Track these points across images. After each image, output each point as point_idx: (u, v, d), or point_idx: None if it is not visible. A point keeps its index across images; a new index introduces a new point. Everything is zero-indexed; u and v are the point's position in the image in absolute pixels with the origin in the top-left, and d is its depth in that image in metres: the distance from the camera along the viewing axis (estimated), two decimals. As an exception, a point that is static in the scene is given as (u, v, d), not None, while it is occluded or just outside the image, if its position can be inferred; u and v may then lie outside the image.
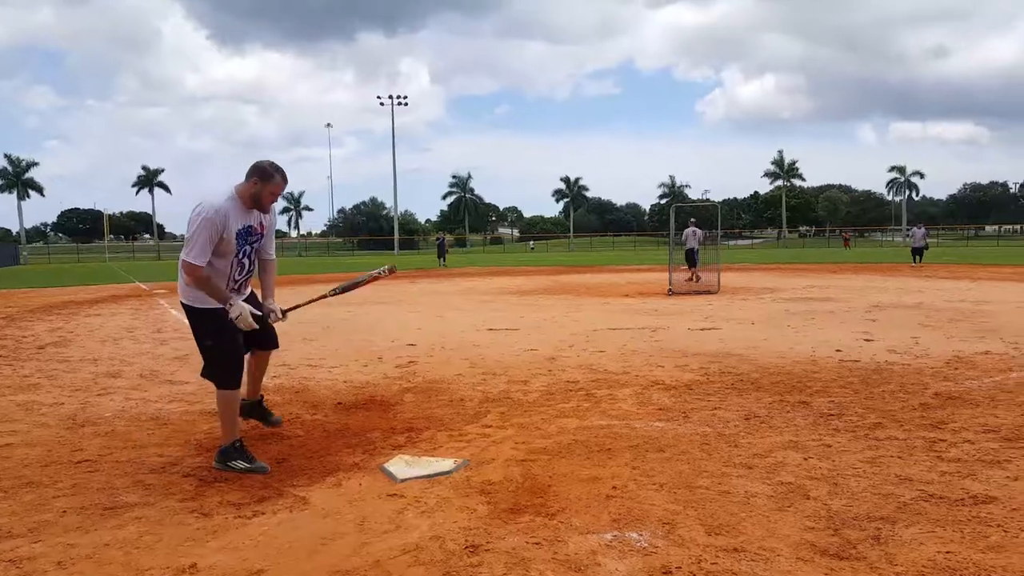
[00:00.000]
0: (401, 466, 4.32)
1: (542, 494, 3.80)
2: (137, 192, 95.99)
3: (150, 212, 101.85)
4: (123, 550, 3.24)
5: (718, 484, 3.85)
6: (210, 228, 4.10)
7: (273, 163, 4.32)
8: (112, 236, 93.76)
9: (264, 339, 4.76)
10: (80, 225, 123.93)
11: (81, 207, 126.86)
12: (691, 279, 19.27)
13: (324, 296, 5.17)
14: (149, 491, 4.05)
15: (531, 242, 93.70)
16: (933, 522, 3.27)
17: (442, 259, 40.63)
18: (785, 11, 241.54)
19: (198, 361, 8.27)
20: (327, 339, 9.98)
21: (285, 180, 4.35)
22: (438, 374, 7.23)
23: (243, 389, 4.91)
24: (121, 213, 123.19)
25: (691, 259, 20.08)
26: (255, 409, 5.08)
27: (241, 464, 4.34)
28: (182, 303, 4.40)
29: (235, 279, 4.42)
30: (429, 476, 4.13)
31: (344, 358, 8.36)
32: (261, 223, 4.45)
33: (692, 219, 21.43)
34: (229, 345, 4.37)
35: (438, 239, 46.15)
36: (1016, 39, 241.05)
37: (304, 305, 5.06)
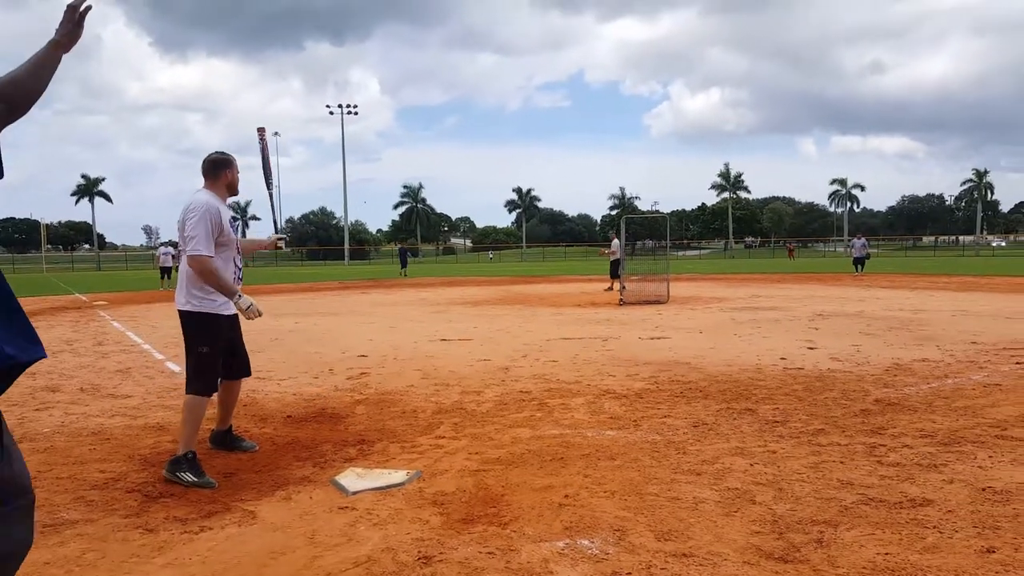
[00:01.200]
0: (352, 479, 4.29)
1: (495, 504, 3.81)
2: (77, 201, 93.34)
3: (90, 222, 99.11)
4: (65, 568, 3.17)
5: (667, 491, 3.91)
6: (207, 220, 4.33)
7: (220, 151, 4.70)
8: (50, 246, 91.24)
9: (240, 366, 4.87)
10: (16, 235, 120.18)
11: (17, 216, 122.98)
12: (613, 288, 20.26)
13: (271, 193, 5.21)
14: (91, 507, 3.96)
15: (491, 252, 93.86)
16: (873, 525, 3.37)
17: (404, 268, 41.52)
18: (729, 27, 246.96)
19: (140, 374, 8.22)
20: (275, 351, 9.87)
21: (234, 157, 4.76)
22: (390, 385, 7.20)
23: (215, 420, 5.06)
24: (59, 223, 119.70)
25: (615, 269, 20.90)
26: (227, 438, 5.06)
27: (189, 477, 4.29)
28: (182, 311, 4.48)
29: (237, 265, 4.61)
30: (381, 488, 4.11)
31: (293, 370, 8.27)
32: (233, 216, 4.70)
33: (612, 230, 22.04)
34: (219, 353, 4.53)
35: (400, 248, 47.08)
36: (947, 57, 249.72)
37: (274, 216, 5.16)
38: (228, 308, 4.53)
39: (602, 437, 5.05)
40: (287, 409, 6.28)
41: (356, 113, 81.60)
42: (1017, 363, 7.62)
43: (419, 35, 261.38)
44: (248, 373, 4.98)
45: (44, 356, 1.92)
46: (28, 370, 6.59)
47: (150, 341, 11.14)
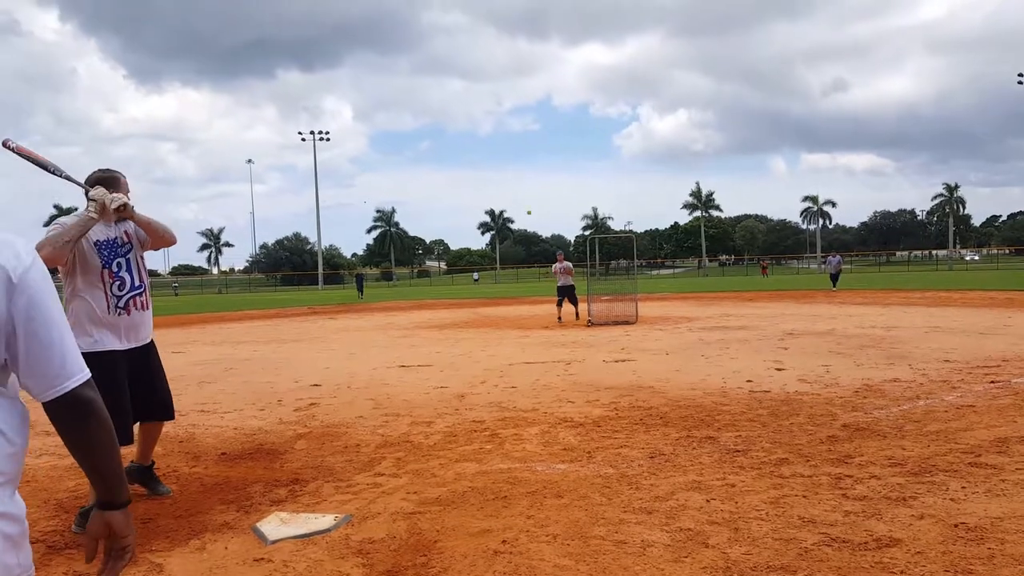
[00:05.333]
0: (275, 525, 3.93)
1: (426, 552, 3.47)
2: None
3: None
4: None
5: (614, 533, 3.58)
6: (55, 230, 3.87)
7: (105, 169, 4.20)
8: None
9: (155, 409, 4.42)
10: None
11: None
12: (563, 319, 17.77)
13: (66, 177, 4.03)
14: (-11, 562, 3.57)
15: (475, 274, 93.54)
16: (834, 570, 3.05)
17: (361, 293, 44.13)
18: (692, 50, 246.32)
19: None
20: (226, 381, 9.45)
21: (124, 177, 4.24)
22: (338, 417, 6.83)
23: (134, 452, 4.57)
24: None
25: (568, 295, 18.03)
26: (144, 475, 4.62)
27: None
28: None
29: (115, 295, 4.05)
30: (304, 536, 3.76)
31: (241, 402, 7.87)
32: (126, 232, 4.20)
33: (560, 251, 19.98)
34: (116, 399, 3.97)
35: (357, 275, 51.51)
36: (907, 74, 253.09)
37: (75, 180, 4.04)
38: (120, 343, 4.09)
39: (552, 471, 4.71)
40: (224, 445, 5.90)
41: (328, 139, 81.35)
42: (991, 382, 7.38)
43: (388, 62, 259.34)
44: (163, 416, 4.51)
45: None
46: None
47: (98, 372, 10.67)
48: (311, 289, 73.45)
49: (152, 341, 4.41)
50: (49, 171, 3.91)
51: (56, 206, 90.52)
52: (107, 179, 4.11)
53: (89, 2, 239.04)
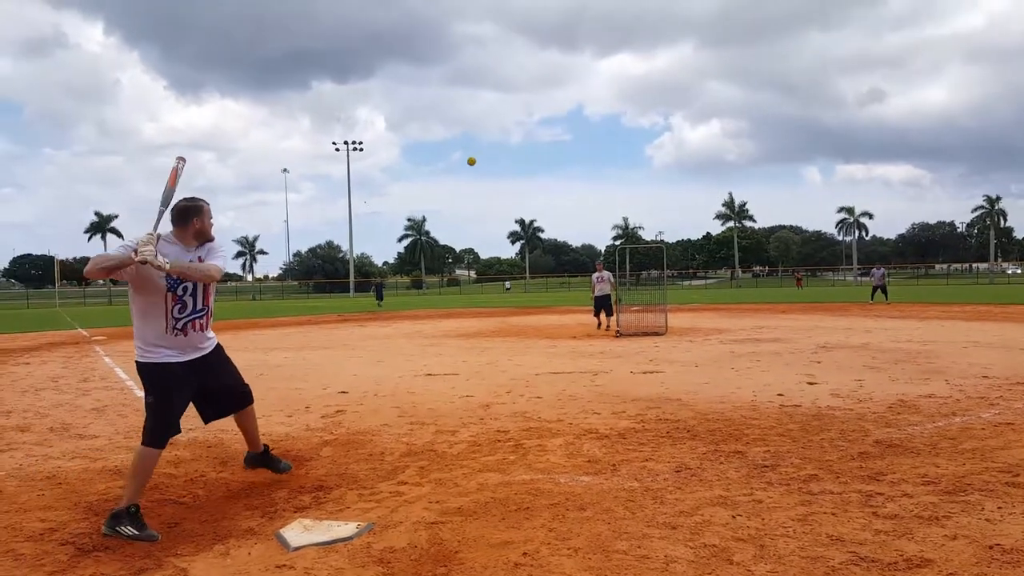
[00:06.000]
0: (298, 531, 3.94)
1: (446, 563, 3.45)
2: (89, 239, 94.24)
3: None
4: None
5: (637, 548, 3.53)
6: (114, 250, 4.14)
7: (190, 198, 4.38)
8: (65, 281, 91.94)
9: (231, 403, 4.81)
10: (32, 271, 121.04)
11: (34, 253, 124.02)
12: (603, 327, 17.90)
13: (162, 212, 4.24)
14: (19, 562, 3.65)
15: (507, 282, 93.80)
16: (863, 590, 2.98)
17: (380, 300, 44.63)
18: (724, 60, 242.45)
19: (115, 413, 7.90)
20: (256, 387, 9.43)
21: (208, 204, 4.44)
22: (364, 424, 6.85)
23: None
24: (74, 259, 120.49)
25: (604, 305, 18.12)
26: (263, 460, 5.14)
27: (130, 530, 4.00)
28: (136, 363, 4.33)
29: (175, 317, 4.20)
30: (326, 543, 3.76)
31: (270, 408, 7.93)
32: (199, 258, 4.32)
33: (599, 260, 19.72)
34: (165, 405, 4.23)
35: (376, 284, 53.66)
36: (946, 84, 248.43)
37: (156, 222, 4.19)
38: (181, 355, 4.27)
39: (575, 484, 4.67)
40: (251, 451, 5.93)
41: (361, 149, 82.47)
42: (1030, 399, 7.20)
43: (420, 73, 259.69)
44: (244, 404, 4.92)
45: None
46: (5, 409, 6.37)
47: (134, 377, 10.81)
48: (342, 296, 74.00)
49: (218, 344, 4.62)
50: (161, 201, 4.18)
51: (97, 213, 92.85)
52: (192, 207, 4.29)
53: (132, 15, 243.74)
